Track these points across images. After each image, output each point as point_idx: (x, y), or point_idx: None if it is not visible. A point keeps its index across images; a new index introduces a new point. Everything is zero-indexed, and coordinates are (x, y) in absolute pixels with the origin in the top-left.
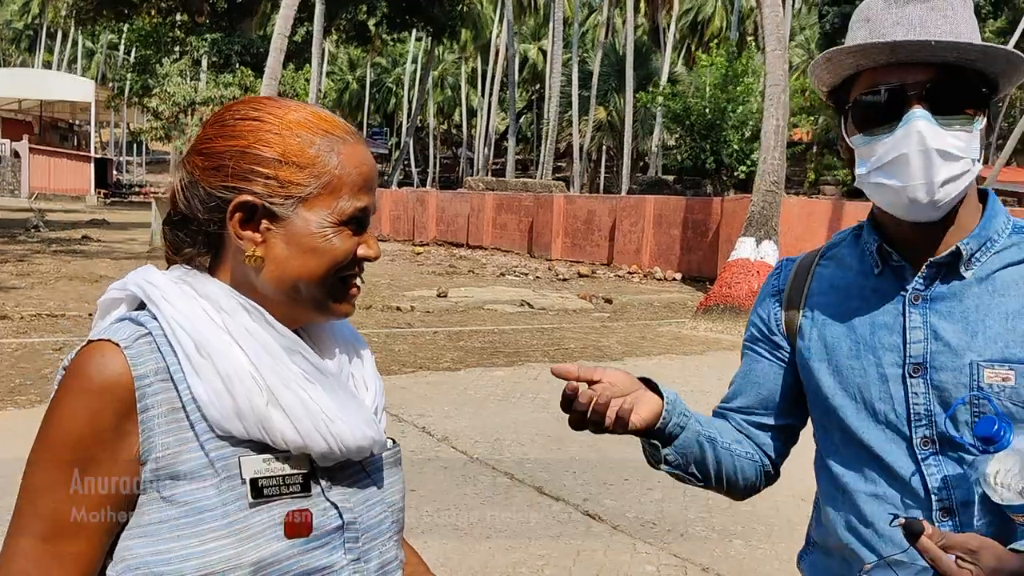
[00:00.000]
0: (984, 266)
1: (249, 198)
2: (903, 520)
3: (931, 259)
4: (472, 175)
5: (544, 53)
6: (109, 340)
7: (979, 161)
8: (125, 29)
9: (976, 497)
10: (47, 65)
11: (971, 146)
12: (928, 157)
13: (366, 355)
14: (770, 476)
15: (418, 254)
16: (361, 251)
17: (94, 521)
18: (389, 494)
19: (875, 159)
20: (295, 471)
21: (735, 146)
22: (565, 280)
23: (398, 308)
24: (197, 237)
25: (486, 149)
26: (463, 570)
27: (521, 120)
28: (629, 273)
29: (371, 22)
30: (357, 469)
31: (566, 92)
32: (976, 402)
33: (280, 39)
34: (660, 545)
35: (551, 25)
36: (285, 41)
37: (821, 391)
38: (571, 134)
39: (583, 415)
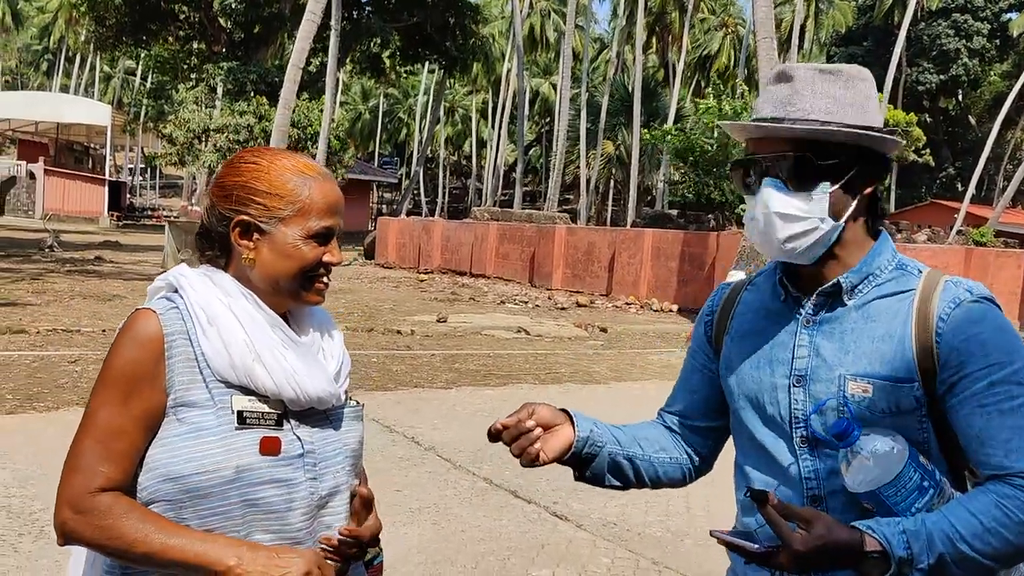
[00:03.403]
0: (864, 296)
1: (245, 218)
2: (751, 491)
3: (819, 289)
4: (481, 205)
5: (555, 88)
6: (150, 309)
7: (828, 218)
8: (143, 55)
9: (840, 488)
10: (65, 89)
11: (816, 207)
12: (771, 219)
13: (336, 335)
14: (700, 471)
15: (422, 281)
16: (326, 258)
17: (133, 430)
18: (346, 437)
19: (747, 215)
20: (272, 411)
21: None
22: (563, 309)
23: (398, 331)
24: (214, 244)
25: (494, 180)
26: (437, 556)
27: (531, 152)
28: (627, 304)
29: (384, 54)
30: (321, 416)
31: (575, 126)
32: (840, 409)
33: (294, 70)
34: (618, 542)
35: (560, 60)
36: (299, 72)
37: (731, 396)
38: (579, 167)
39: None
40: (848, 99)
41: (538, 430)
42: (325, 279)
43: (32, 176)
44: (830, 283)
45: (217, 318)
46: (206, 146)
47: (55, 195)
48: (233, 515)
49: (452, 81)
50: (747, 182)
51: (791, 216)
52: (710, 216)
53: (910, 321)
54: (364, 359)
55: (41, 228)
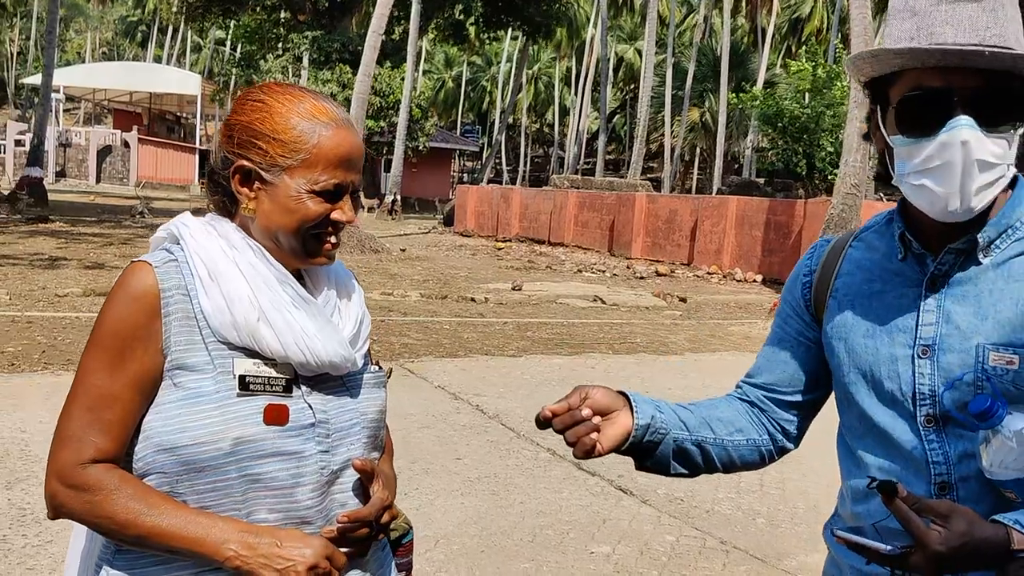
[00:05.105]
0: (1003, 252)
1: (246, 163)
2: (876, 482)
3: (949, 245)
4: (562, 174)
5: (640, 53)
6: (146, 261)
7: (1012, 165)
8: (231, 26)
9: (974, 473)
10: (157, 59)
11: (1008, 153)
12: (969, 167)
13: (355, 295)
14: (783, 450)
15: (499, 249)
16: (335, 215)
17: (126, 396)
18: (364, 406)
19: (916, 162)
20: (280, 376)
21: (829, 149)
22: (642, 278)
23: (472, 299)
24: (218, 189)
25: (577, 148)
26: (493, 528)
27: (614, 120)
28: (708, 273)
29: (468, 21)
30: (337, 383)
31: (659, 93)
32: (979, 383)
33: (375, 37)
34: (684, 519)
35: (646, 24)
36: (379, 40)
37: (839, 368)
38: (663, 135)
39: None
40: (1020, 21)
41: (596, 418)
42: (333, 239)
43: (126, 145)
44: (962, 239)
45: (220, 272)
46: None
47: (148, 163)
48: (233, 492)
49: (535, 48)
50: (920, 119)
51: (989, 164)
52: (798, 184)
53: None
54: (436, 326)
55: (134, 196)
